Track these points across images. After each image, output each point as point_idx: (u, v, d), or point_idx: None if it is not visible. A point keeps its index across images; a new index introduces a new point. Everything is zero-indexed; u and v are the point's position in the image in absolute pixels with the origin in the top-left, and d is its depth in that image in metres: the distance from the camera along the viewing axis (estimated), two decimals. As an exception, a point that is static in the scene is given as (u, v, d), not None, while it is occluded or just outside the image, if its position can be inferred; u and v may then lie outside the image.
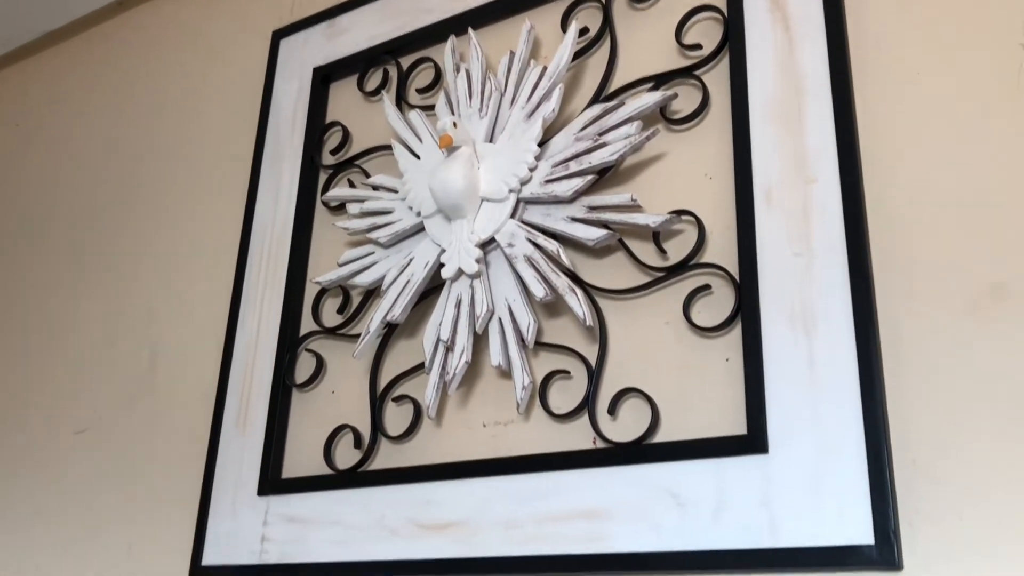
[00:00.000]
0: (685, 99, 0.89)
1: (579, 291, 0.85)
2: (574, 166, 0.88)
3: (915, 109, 0.78)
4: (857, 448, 0.70)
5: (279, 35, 1.25)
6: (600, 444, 0.83)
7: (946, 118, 0.76)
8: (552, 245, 0.87)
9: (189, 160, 1.30)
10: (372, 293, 1.02)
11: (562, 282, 0.86)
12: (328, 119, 1.16)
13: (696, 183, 0.87)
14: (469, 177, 0.91)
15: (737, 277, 0.80)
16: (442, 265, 0.92)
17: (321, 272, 1.08)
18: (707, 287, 0.82)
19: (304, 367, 1.05)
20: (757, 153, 0.82)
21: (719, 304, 0.81)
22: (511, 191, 0.91)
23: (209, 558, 1.01)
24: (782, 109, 0.82)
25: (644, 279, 0.86)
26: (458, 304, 0.91)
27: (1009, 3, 0.76)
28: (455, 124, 0.92)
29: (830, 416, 0.72)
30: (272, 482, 1.00)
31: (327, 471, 0.98)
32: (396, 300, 0.95)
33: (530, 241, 0.89)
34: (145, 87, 1.41)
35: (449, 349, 0.91)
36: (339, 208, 1.10)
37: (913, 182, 0.76)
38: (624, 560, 0.76)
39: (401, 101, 1.08)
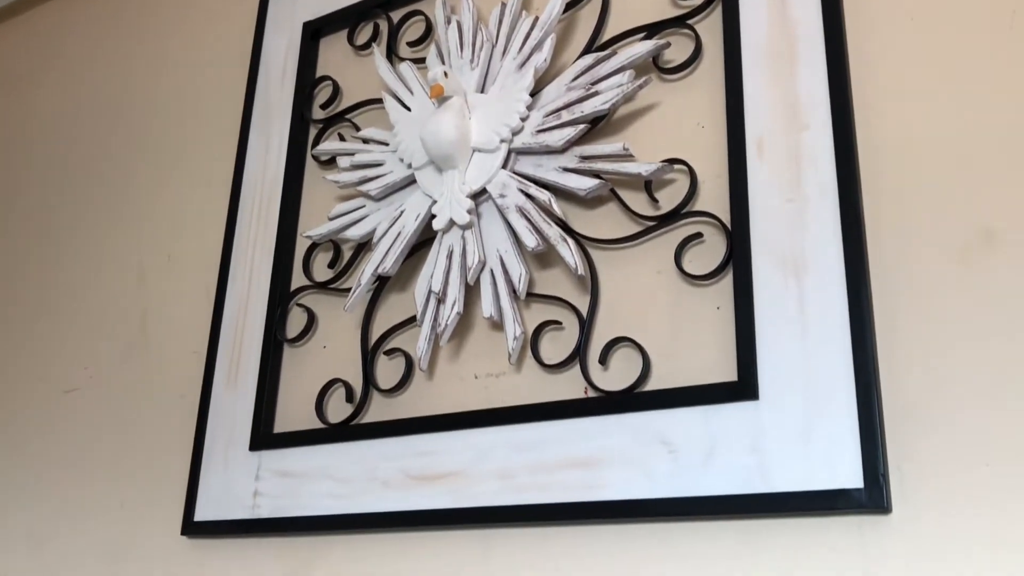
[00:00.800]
0: (678, 49, 0.88)
1: (571, 241, 0.84)
2: (566, 115, 0.88)
3: (907, 55, 0.77)
4: (847, 394, 0.70)
5: (270, -12, 1.23)
6: (591, 393, 0.83)
7: (938, 64, 0.76)
8: (544, 195, 0.86)
9: (180, 117, 1.28)
10: (363, 247, 1.02)
11: (554, 232, 0.85)
12: (318, 74, 1.15)
13: (688, 132, 0.86)
14: (460, 127, 0.90)
15: (729, 225, 0.80)
16: (433, 216, 0.92)
17: (312, 227, 1.07)
18: (699, 235, 0.81)
19: (295, 322, 1.04)
20: (749, 102, 0.81)
21: (711, 252, 0.81)
22: (502, 141, 0.90)
23: (202, 513, 1.01)
24: (774, 57, 0.82)
25: (636, 229, 0.85)
26: (449, 255, 0.91)
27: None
28: (446, 74, 0.92)
29: (821, 362, 0.72)
30: (264, 437, 1.00)
31: (319, 425, 0.98)
32: (387, 253, 0.94)
33: (522, 191, 0.88)
34: (134, 44, 1.40)
35: (441, 301, 0.91)
36: (330, 162, 1.09)
37: (905, 129, 0.75)
38: (618, 507, 0.76)
39: (392, 55, 1.07)
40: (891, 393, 0.69)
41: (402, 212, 0.95)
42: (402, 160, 0.96)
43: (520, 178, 0.89)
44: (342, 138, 1.09)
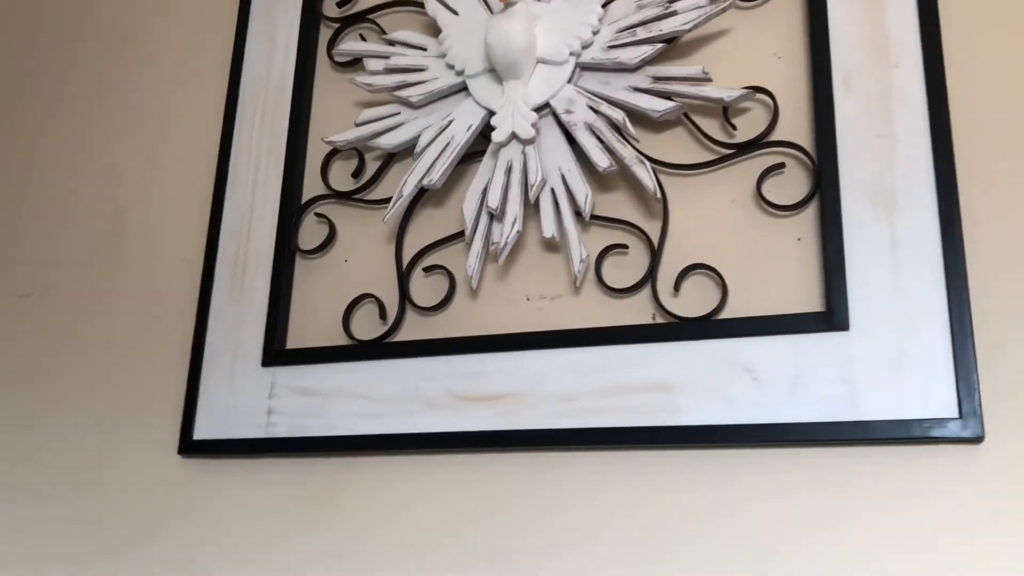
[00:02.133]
0: (751, -26, 0.87)
1: (647, 163, 0.82)
2: (642, 32, 0.85)
3: (995, 8, 0.78)
4: (941, 326, 0.72)
5: None
6: (660, 319, 0.81)
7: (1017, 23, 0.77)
8: (618, 114, 0.83)
9: (164, 2, 1.16)
10: (393, 156, 0.96)
11: (629, 152, 0.83)
12: (330, -32, 1.07)
13: (764, 62, 0.85)
14: (529, 35, 0.86)
15: (814, 157, 0.79)
16: (491, 128, 0.87)
17: (325, 132, 1.00)
18: (781, 165, 0.81)
19: (311, 233, 0.97)
20: (836, 35, 0.81)
21: (791, 184, 0.81)
22: (572, 54, 0.86)
23: (203, 432, 0.93)
24: (862, -8, 0.81)
25: (705, 156, 0.84)
26: (508, 170, 0.87)
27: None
28: (513, -21, 0.86)
29: (913, 296, 0.73)
30: (279, 353, 0.93)
31: (345, 342, 0.92)
32: (434, 163, 0.89)
33: (592, 109, 0.85)
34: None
35: (496, 218, 0.86)
36: (347, 65, 1.01)
37: (993, 72, 0.77)
38: (695, 432, 0.76)
39: (420, -46, 1.00)
40: (982, 327, 0.71)
41: (451, 121, 0.90)
42: (452, 66, 0.91)
43: (589, 94, 0.86)
44: (363, 39, 1.01)
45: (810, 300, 0.78)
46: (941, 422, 0.70)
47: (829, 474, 0.73)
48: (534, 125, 0.85)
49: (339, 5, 1.04)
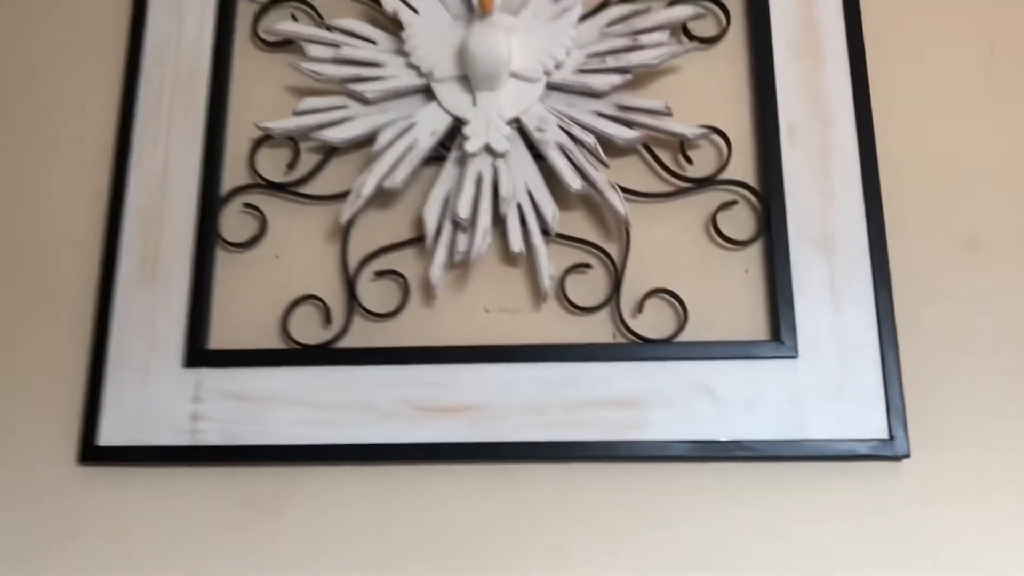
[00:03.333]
0: (700, 20, 0.93)
1: (617, 188, 0.86)
2: (611, 61, 0.88)
3: (913, 69, 0.91)
4: (874, 357, 0.82)
5: None
6: (620, 339, 0.86)
7: (938, 95, 0.91)
8: (590, 138, 0.86)
9: None
10: (333, 151, 0.91)
11: (601, 177, 0.86)
12: (249, -65, 0.99)
13: (711, 103, 0.92)
14: (509, 49, 0.86)
15: (763, 197, 0.87)
16: (463, 137, 0.86)
17: (246, 114, 0.93)
18: (734, 202, 0.88)
19: (236, 224, 0.90)
20: (781, 89, 0.89)
21: (738, 218, 0.88)
22: (545, 73, 0.87)
23: (109, 437, 0.84)
24: (803, 52, 0.90)
25: (658, 184, 0.89)
26: (478, 182, 0.86)
27: (979, 18, 0.92)
28: (493, -11, 0.86)
29: (850, 329, 0.83)
30: (206, 353, 0.86)
31: (280, 344, 0.87)
32: (396, 165, 0.87)
33: (563, 129, 0.87)
34: None
35: (463, 229, 0.86)
36: (273, 45, 0.95)
37: (913, 141, 0.89)
38: (660, 447, 0.81)
39: (360, -59, 0.96)
40: (908, 358, 0.83)
41: (413, 124, 0.88)
42: (415, 67, 0.88)
43: (559, 115, 0.88)
44: (295, 19, 0.95)
45: (756, 327, 0.86)
46: (873, 442, 0.81)
47: (778, 487, 0.81)
48: (509, 139, 0.86)
49: (265, -22, 0.97)
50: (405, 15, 0.90)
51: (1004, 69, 0.91)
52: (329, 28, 0.92)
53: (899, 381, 0.82)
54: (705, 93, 0.92)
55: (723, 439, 0.81)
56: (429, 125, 0.88)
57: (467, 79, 0.87)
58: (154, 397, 0.85)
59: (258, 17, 0.96)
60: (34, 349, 0.88)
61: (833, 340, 0.83)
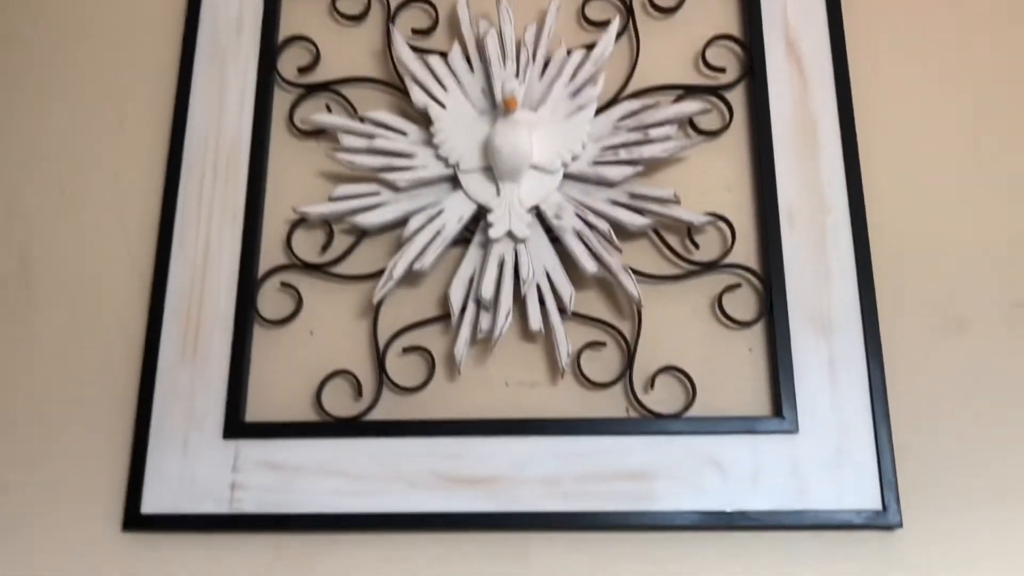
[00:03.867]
0: (706, 115, 1.00)
1: (631, 272, 0.92)
2: (624, 154, 0.95)
3: (906, 172, 0.98)
4: (868, 433, 0.88)
5: (210, -86, 1.09)
6: (634, 413, 0.92)
7: (926, 183, 0.98)
8: (604, 225, 0.93)
9: (85, 36, 1.08)
10: (364, 233, 0.98)
11: (615, 261, 0.92)
12: (285, 31, 1.06)
13: (715, 191, 0.98)
14: (530, 144, 0.93)
15: (765, 281, 0.94)
16: (487, 224, 0.93)
17: (283, 200, 1.00)
18: (738, 285, 0.95)
19: (273, 302, 0.96)
20: (781, 179, 0.96)
21: (742, 301, 0.95)
22: (563, 164, 0.94)
23: (152, 505, 0.89)
24: (799, 143, 0.98)
25: (667, 266, 0.96)
26: (500, 265, 0.93)
27: (965, 110, 1.00)
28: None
29: (846, 406, 0.89)
30: (244, 425, 0.91)
31: (314, 416, 0.93)
32: (426, 249, 0.93)
33: (579, 217, 0.94)
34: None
35: (485, 308, 0.92)
36: (309, 134, 1.02)
37: (903, 226, 0.96)
38: (670, 517, 0.86)
39: (388, 28, 1.03)
40: (900, 434, 0.89)
41: (441, 211, 0.94)
42: (443, 159, 0.95)
43: (576, 203, 0.94)
44: (329, 110, 1.02)
45: (759, 403, 0.92)
46: (868, 512, 0.86)
47: (780, 555, 0.87)
48: (529, 225, 0.93)
49: (300, 70, 1.04)
50: (434, 110, 0.97)
51: (989, 157, 0.98)
52: (362, 120, 0.99)
53: (891, 454, 0.88)
54: (710, 181, 0.99)
55: (729, 510, 0.87)
56: (456, 212, 0.94)
57: (491, 170, 0.94)
58: (194, 467, 0.90)
59: (294, 106, 1.02)
60: (82, 422, 0.93)
61: (830, 415, 0.89)
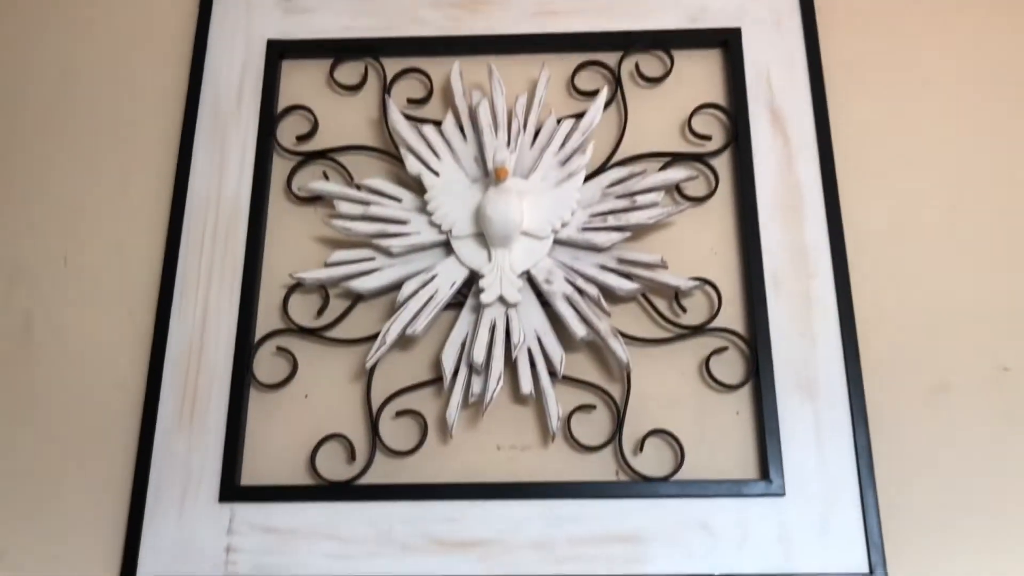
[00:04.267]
0: (692, 181, 1.03)
1: (620, 336, 0.94)
2: (612, 220, 0.98)
3: (888, 238, 1.00)
4: (854, 496, 0.90)
5: (212, -14, 1.13)
6: (623, 477, 0.93)
7: (908, 249, 1.00)
8: (593, 290, 0.95)
9: (88, 102, 1.11)
10: (359, 297, 1.00)
11: (604, 325, 0.94)
12: (284, 100, 1.09)
13: (702, 255, 1.01)
14: (521, 211, 0.96)
15: (751, 344, 0.96)
16: (479, 289, 0.95)
17: (280, 263, 1.02)
18: (725, 348, 0.97)
19: (271, 366, 0.98)
20: (766, 243, 0.99)
21: (730, 364, 0.96)
22: (553, 231, 0.97)
23: (149, 568, 0.90)
24: (784, 209, 1.00)
25: (656, 329, 0.98)
26: (491, 329, 0.95)
27: (943, 178, 1.03)
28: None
29: (832, 470, 0.91)
30: (239, 489, 0.93)
31: (308, 479, 0.94)
32: (419, 314, 0.95)
33: (568, 282, 0.96)
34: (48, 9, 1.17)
35: (477, 372, 0.94)
36: (306, 200, 1.04)
37: (886, 292, 0.98)
38: (662, 580, 0.88)
39: (384, 99, 1.06)
40: (885, 496, 0.90)
41: (434, 276, 0.97)
42: (437, 225, 0.98)
43: (566, 268, 0.97)
44: (326, 177, 1.05)
45: (747, 465, 0.93)
46: (857, 574, 0.87)
47: (770, 617, 0.88)
48: (520, 291, 0.95)
49: (299, 138, 1.07)
50: (427, 178, 1.00)
51: (969, 222, 1.01)
52: (359, 187, 1.02)
53: (877, 517, 0.89)
54: (697, 245, 1.01)
55: (717, 573, 0.88)
56: (449, 277, 0.97)
57: (483, 236, 0.97)
58: (191, 530, 0.91)
59: (292, 173, 1.05)
60: (81, 485, 0.94)
61: (817, 478, 0.91)
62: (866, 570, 0.87)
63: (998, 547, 0.89)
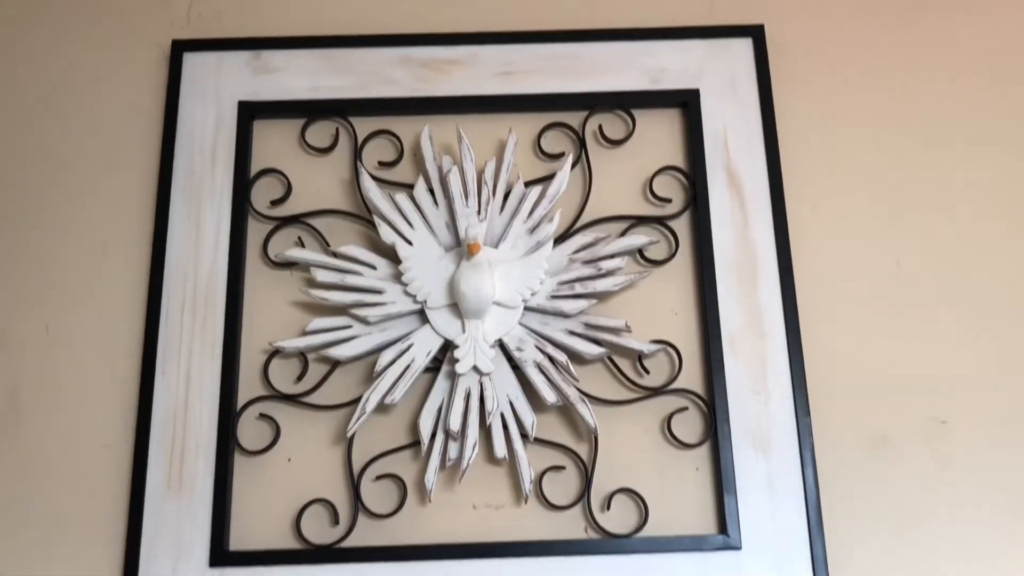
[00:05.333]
0: (651, 238, 1.08)
1: (587, 401, 1.00)
2: (579, 288, 1.03)
3: (837, 299, 1.07)
4: (804, 545, 0.97)
5: (182, 47, 1.15)
6: (592, 534, 0.99)
7: (854, 309, 1.07)
8: (562, 357, 1.01)
9: (63, 165, 1.12)
10: (337, 363, 1.04)
11: (573, 392, 1.00)
12: (257, 162, 1.12)
13: (663, 316, 1.07)
14: (493, 285, 1.00)
15: (709, 404, 1.02)
16: (455, 359, 1.00)
17: (259, 331, 1.06)
18: (685, 408, 1.03)
19: (254, 431, 1.02)
20: (723, 306, 1.05)
21: (689, 423, 1.03)
22: (523, 300, 1.02)
23: (143, 634, 0.95)
24: (741, 271, 1.06)
25: (621, 390, 1.04)
26: (467, 397, 1.00)
27: (888, 240, 1.10)
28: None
29: (785, 522, 0.98)
30: (228, 554, 0.97)
31: (293, 543, 0.99)
32: (396, 383, 1.00)
33: (539, 349, 1.01)
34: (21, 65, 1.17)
35: (453, 438, 0.99)
36: (283, 264, 1.08)
37: (833, 346, 1.05)
38: (628, 633, 0.95)
39: (356, 166, 1.10)
40: (834, 544, 0.98)
41: (410, 346, 1.01)
42: (412, 295, 1.02)
43: (536, 335, 1.02)
44: (301, 242, 1.08)
45: (706, 519, 1.00)
46: (807, 623, 0.95)
47: (728, 663, 0.95)
48: (493, 360, 1.00)
49: (272, 203, 1.10)
50: (402, 248, 1.04)
51: (909, 281, 1.08)
52: (334, 254, 1.06)
53: (825, 565, 0.97)
54: (658, 306, 1.07)
55: (679, 624, 0.95)
56: (424, 346, 1.01)
57: (456, 307, 1.01)
58: (183, 595, 0.96)
59: (268, 238, 1.08)
60: (72, 553, 0.98)
61: (770, 531, 0.98)
62: (815, 619, 0.95)
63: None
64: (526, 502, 1.00)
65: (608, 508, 1.00)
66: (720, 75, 1.14)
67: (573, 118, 1.13)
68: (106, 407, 1.03)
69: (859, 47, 1.17)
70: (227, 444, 1.01)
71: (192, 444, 1.01)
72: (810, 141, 1.13)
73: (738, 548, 0.97)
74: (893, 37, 1.18)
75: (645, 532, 0.99)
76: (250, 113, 1.12)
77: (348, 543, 0.99)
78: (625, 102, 1.13)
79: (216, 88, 1.13)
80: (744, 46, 1.15)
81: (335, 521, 1.00)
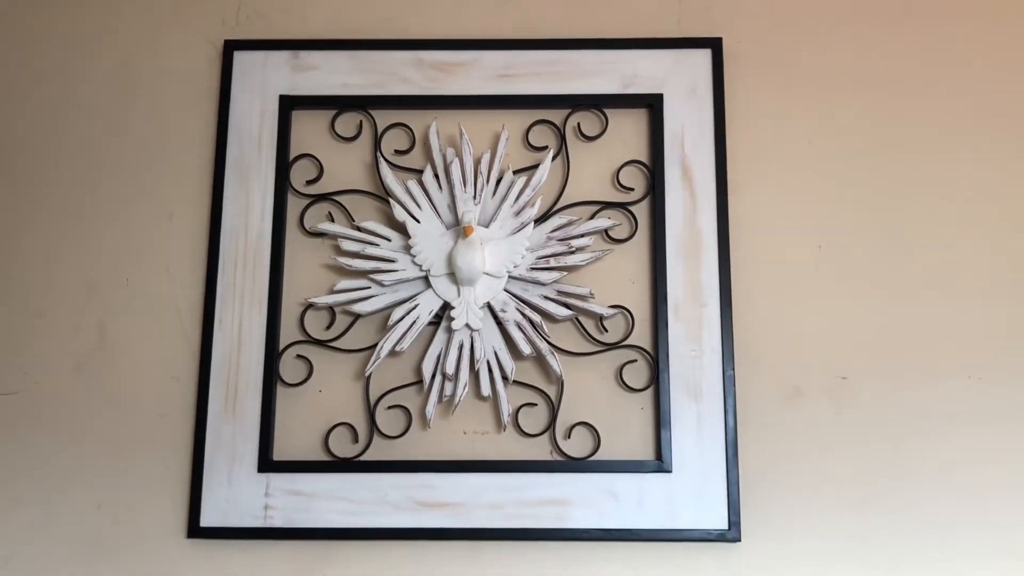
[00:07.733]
0: (615, 220, 1.32)
1: (555, 353, 1.26)
2: (554, 262, 1.28)
3: (765, 275, 1.31)
4: (721, 473, 1.24)
5: (232, 46, 1.38)
6: (556, 456, 1.27)
7: (779, 281, 1.31)
8: (537, 317, 1.26)
9: (141, 145, 1.37)
10: (359, 316, 1.30)
11: (544, 346, 1.26)
12: (295, 147, 1.36)
13: (623, 284, 1.31)
14: (483, 259, 1.25)
15: (654, 358, 1.28)
16: (451, 318, 1.26)
17: (297, 287, 1.32)
18: (635, 360, 1.29)
19: (293, 369, 1.29)
20: (670, 279, 1.29)
21: (637, 372, 1.29)
22: (507, 271, 1.27)
23: (207, 520, 1.24)
24: (687, 250, 1.30)
25: (584, 344, 1.29)
26: (460, 347, 1.26)
27: (811, 225, 1.33)
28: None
29: (708, 453, 1.25)
30: (272, 462, 1.25)
31: (323, 456, 1.27)
32: (405, 334, 1.26)
33: (519, 311, 1.27)
34: (104, 62, 1.41)
35: (449, 379, 1.26)
36: (316, 234, 1.33)
37: (759, 315, 1.30)
38: (581, 533, 1.22)
39: (376, 154, 1.34)
40: (746, 473, 1.25)
41: (416, 305, 1.27)
42: (419, 264, 1.28)
43: (517, 300, 1.27)
44: (331, 216, 1.33)
45: (647, 449, 1.27)
46: (719, 530, 1.23)
47: (657, 561, 1.23)
48: (482, 319, 1.26)
49: (308, 183, 1.34)
50: (411, 226, 1.29)
51: (825, 264, 1.32)
52: (358, 228, 1.31)
53: (738, 490, 1.23)
54: (618, 277, 1.32)
55: (621, 527, 1.23)
56: (428, 306, 1.27)
57: (454, 275, 1.27)
58: (237, 493, 1.24)
59: (304, 211, 1.33)
60: (149, 461, 1.27)
61: (696, 460, 1.25)
62: (726, 527, 1.23)
63: (829, 517, 1.24)
64: (505, 430, 1.27)
65: (569, 437, 1.27)
66: (682, 81, 1.36)
67: (557, 116, 1.36)
68: (175, 347, 1.30)
69: (804, 60, 1.38)
70: (271, 378, 1.28)
71: (244, 378, 1.28)
72: (755, 141, 1.35)
73: (670, 471, 1.24)
74: (834, 51, 1.38)
75: (598, 456, 1.26)
76: (290, 105, 1.36)
77: (365, 457, 1.26)
78: (601, 103, 1.35)
79: (262, 82, 1.37)
80: (704, 56, 1.36)
81: (355, 440, 1.27)
